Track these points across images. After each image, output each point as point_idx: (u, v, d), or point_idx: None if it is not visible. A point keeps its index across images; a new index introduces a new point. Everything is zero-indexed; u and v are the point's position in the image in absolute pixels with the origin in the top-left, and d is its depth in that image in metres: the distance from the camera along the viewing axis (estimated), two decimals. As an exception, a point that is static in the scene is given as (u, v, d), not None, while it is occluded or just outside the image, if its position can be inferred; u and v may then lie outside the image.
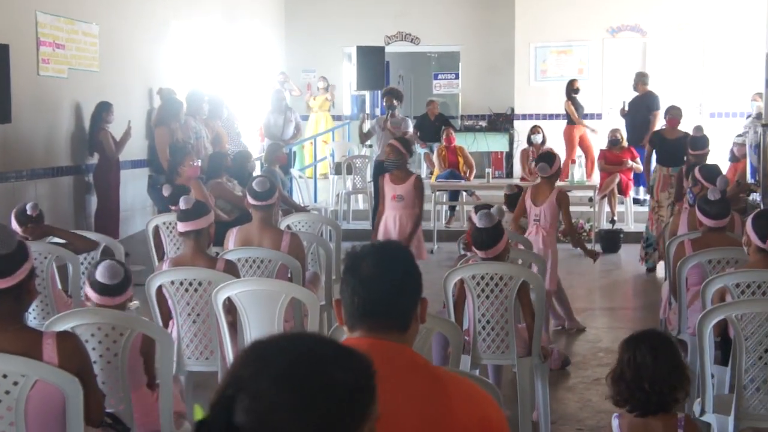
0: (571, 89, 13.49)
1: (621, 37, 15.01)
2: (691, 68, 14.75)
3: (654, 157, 10.02)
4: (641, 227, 11.70)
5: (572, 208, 12.36)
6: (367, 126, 12.05)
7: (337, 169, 13.62)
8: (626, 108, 12.80)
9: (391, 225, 7.34)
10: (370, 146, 12.06)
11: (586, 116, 14.48)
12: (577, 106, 13.47)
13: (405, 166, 7.42)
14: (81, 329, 3.67)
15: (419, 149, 15.16)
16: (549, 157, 6.97)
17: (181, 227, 4.99)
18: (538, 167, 6.91)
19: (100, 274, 3.83)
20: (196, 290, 4.79)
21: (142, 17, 11.29)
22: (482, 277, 4.90)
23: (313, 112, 15.84)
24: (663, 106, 11.61)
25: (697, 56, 14.78)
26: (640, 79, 12.86)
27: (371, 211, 11.73)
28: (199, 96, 10.08)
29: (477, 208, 5.75)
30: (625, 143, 12.38)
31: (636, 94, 12.68)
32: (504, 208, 7.17)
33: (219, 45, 13.81)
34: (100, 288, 3.84)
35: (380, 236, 7.32)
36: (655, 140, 10.04)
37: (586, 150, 13.48)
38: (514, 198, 7.48)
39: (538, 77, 15.32)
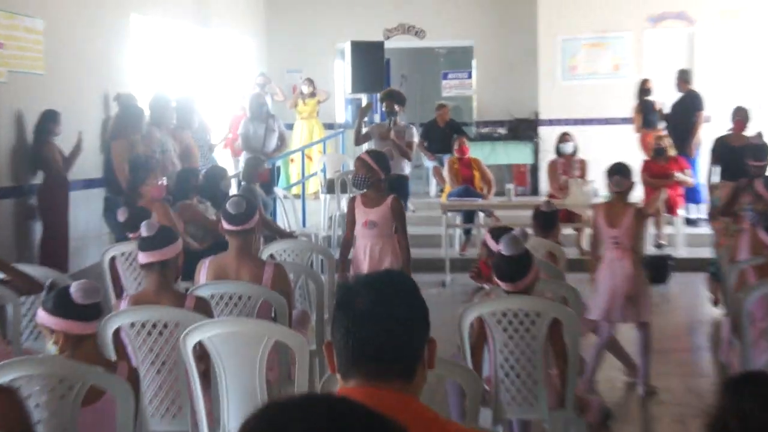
0: (643, 90, 13.49)
1: (664, 27, 15.05)
2: (748, 61, 14.77)
3: (713, 167, 9.97)
4: (696, 252, 11.68)
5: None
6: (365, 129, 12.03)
7: (330, 187, 13.60)
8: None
9: (361, 257, 7.18)
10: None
11: (624, 120, 14.49)
12: (648, 111, 13.46)
13: (378, 186, 7.20)
14: (22, 382, 3.63)
15: (427, 162, 15.18)
16: (624, 169, 7.10)
17: (143, 258, 4.96)
18: (612, 181, 7.03)
19: (76, 292, 3.81)
20: (160, 333, 4.76)
21: (97, 11, 11.30)
22: (504, 314, 4.86)
23: (300, 119, 15.85)
24: (716, 108, 11.67)
25: (754, 47, 14.79)
26: (682, 76, 12.89)
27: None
28: (165, 102, 10.08)
29: (494, 232, 5.71)
30: (672, 152, 12.39)
31: (679, 94, 12.72)
32: (528, 230, 7.13)
33: (188, 42, 13.84)
34: (74, 312, 3.81)
35: (350, 271, 7.18)
36: (718, 149, 10.01)
37: None
38: (550, 217, 7.38)
39: (567, 75, 15.35)
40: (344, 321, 2.19)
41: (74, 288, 3.84)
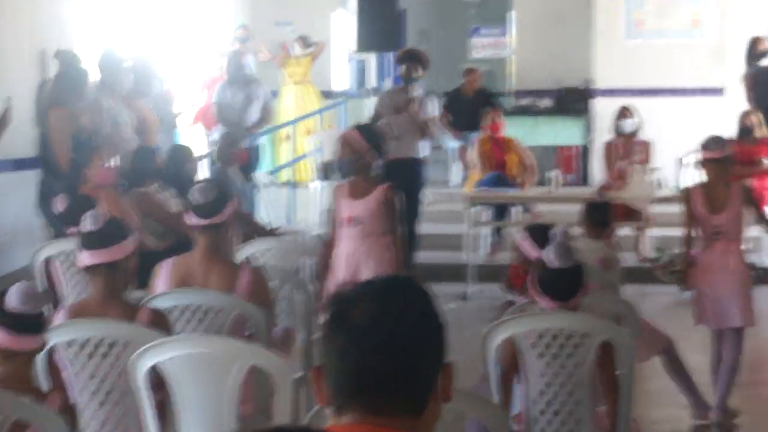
0: (755, 55, 13.42)
1: (755, -28, 15.01)
2: None
3: None
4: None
5: (676, 232, 12.36)
6: (373, 105, 12.04)
7: (326, 173, 13.62)
8: (749, 79, 12.80)
9: (337, 264, 7.17)
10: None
11: (704, 92, 14.46)
12: (757, 82, 13.36)
13: (367, 171, 7.18)
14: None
15: (450, 142, 15.19)
16: (719, 141, 7.32)
17: (86, 259, 4.98)
18: (710, 141, 7.27)
19: (11, 296, 3.86)
20: (105, 355, 4.77)
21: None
22: (541, 336, 4.89)
23: (291, 84, 15.83)
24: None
25: None
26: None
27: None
28: (118, 61, 10.11)
29: (532, 231, 5.73)
30: (764, 131, 12.39)
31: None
32: (575, 230, 7.15)
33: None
34: (5, 320, 3.86)
35: (330, 283, 7.15)
36: None
37: None
38: (603, 213, 7.39)
39: (631, 33, 15.34)
40: (338, 340, 2.21)
41: (11, 291, 3.87)
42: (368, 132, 7.31)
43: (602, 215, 7.43)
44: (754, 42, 13.52)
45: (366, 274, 6.92)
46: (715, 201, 7.16)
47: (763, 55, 13.38)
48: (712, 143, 7.28)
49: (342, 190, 7.28)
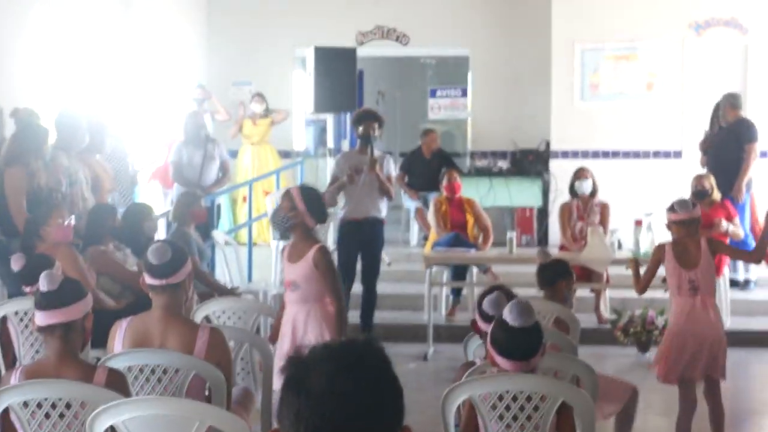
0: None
1: (710, 36, 15.20)
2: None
3: None
4: (746, 323, 11.71)
5: (634, 294, 12.32)
6: (331, 166, 12.05)
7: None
8: (707, 141, 12.93)
9: (286, 329, 7.10)
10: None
11: (658, 154, 14.60)
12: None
13: (302, 231, 7.19)
14: None
15: (408, 202, 15.22)
16: (686, 204, 7.58)
17: (42, 319, 4.95)
18: (676, 204, 7.51)
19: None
20: (62, 416, 4.74)
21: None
22: (500, 397, 4.88)
23: (249, 144, 15.84)
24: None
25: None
26: (730, 101, 13.00)
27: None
28: (75, 120, 10.07)
29: (488, 294, 5.71)
30: (717, 195, 12.49)
31: (724, 124, 12.84)
32: (529, 293, 7.16)
33: (107, 43, 13.85)
34: None
35: (278, 347, 7.11)
36: None
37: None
38: (551, 272, 7.42)
39: (587, 95, 15.47)
40: (294, 403, 2.20)
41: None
42: (308, 193, 7.27)
43: (549, 272, 7.42)
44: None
45: (307, 340, 6.90)
46: (686, 257, 7.37)
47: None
48: (679, 205, 7.47)
49: (284, 253, 7.31)
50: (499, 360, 4.93)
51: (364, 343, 2.32)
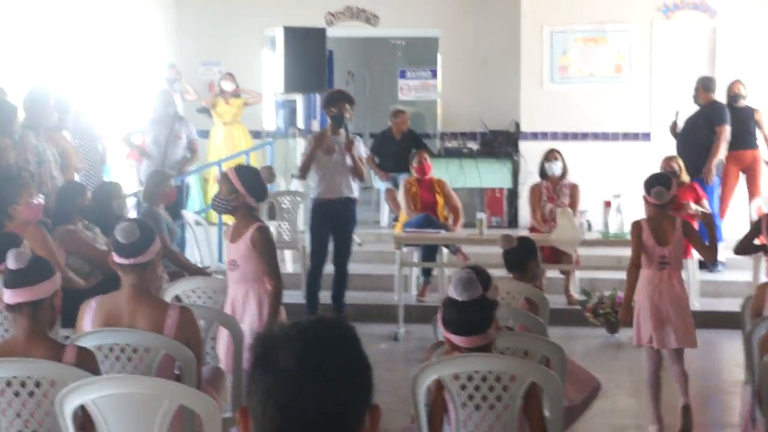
0: (732, 97, 13.45)
1: (679, 19, 15.24)
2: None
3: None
4: (714, 305, 11.76)
5: (604, 274, 12.31)
6: (303, 147, 12.04)
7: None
8: (678, 123, 12.96)
9: (227, 310, 7.04)
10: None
11: (627, 136, 14.66)
12: (742, 124, 13.38)
13: (244, 211, 7.16)
14: None
15: (378, 183, 15.22)
16: (665, 179, 7.96)
17: (9, 297, 4.93)
18: (653, 192, 7.71)
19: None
20: (31, 394, 4.73)
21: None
22: (470, 378, 4.88)
23: (222, 125, 15.79)
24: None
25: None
26: (704, 84, 13.04)
27: (305, 275, 11.70)
28: (45, 97, 10.02)
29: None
30: (685, 177, 12.53)
31: (696, 106, 12.89)
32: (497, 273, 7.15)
33: (76, 21, 13.77)
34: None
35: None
36: None
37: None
38: (516, 257, 7.40)
39: (556, 78, 15.49)
40: (262, 381, 2.19)
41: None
42: (246, 174, 7.21)
43: (516, 257, 7.33)
44: (731, 87, 13.59)
45: (247, 320, 6.89)
46: (660, 234, 7.68)
47: (737, 98, 13.45)
48: (656, 195, 7.69)
49: (226, 233, 7.30)
50: (453, 338, 4.90)
51: (333, 321, 2.31)
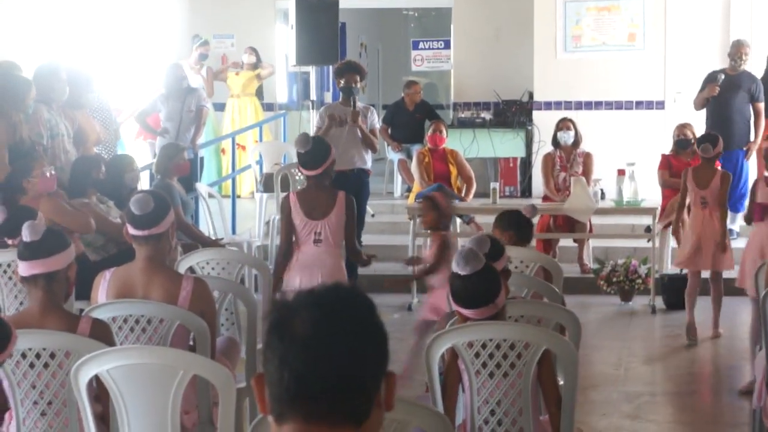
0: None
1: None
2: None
3: None
4: (730, 273, 11.72)
5: (617, 243, 12.42)
6: (316, 119, 12.02)
7: (267, 185, 13.60)
8: (719, 86, 12.71)
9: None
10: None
11: (641, 105, 14.60)
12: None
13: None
14: None
15: (391, 154, 15.21)
16: (713, 138, 9.65)
17: (24, 269, 4.95)
18: (701, 148, 9.56)
19: None
20: (46, 365, 4.75)
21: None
22: (484, 345, 4.88)
23: (233, 98, 15.81)
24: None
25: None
26: (739, 48, 12.91)
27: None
28: (56, 72, 10.01)
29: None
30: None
31: (732, 73, 12.77)
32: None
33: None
34: None
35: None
36: None
37: None
38: (527, 228, 7.25)
39: (569, 47, 15.43)
40: (279, 348, 2.19)
41: None
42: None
43: (525, 228, 7.14)
44: None
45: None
46: (701, 179, 9.46)
47: None
48: (703, 150, 9.50)
49: (294, 200, 7.42)
50: (462, 310, 4.93)
51: (349, 289, 2.31)
